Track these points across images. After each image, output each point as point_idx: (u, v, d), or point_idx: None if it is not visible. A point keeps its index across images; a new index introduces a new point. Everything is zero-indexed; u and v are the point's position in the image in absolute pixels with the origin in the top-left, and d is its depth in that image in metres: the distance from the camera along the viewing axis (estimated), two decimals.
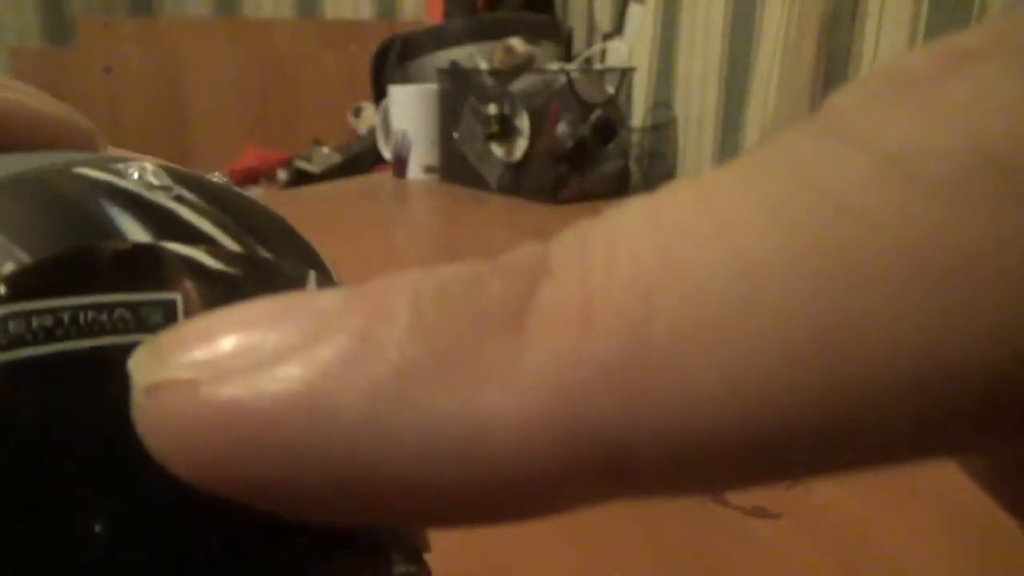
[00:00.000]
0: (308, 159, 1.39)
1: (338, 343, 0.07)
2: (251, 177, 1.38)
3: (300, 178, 1.36)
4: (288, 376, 0.07)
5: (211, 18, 1.78)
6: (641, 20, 1.23)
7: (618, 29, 1.30)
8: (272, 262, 0.10)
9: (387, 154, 1.27)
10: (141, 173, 0.10)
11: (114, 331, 0.08)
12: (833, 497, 0.39)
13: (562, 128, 1.06)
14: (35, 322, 0.08)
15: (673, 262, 0.07)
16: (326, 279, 0.11)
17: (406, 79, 1.28)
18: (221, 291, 0.09)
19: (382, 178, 1.28)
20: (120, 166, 0.10)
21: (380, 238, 0.94)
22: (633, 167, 1.21)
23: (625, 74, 1.13)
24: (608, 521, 0.35)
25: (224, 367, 0.07)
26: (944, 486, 0.40)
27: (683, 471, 0.07)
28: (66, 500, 0.08)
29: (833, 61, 0.84)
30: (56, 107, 0.12)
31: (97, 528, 0.08)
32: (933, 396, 0.07)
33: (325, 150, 1.42)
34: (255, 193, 1.35)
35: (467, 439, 0.07)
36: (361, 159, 1.38)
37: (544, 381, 0.07)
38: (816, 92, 0.86)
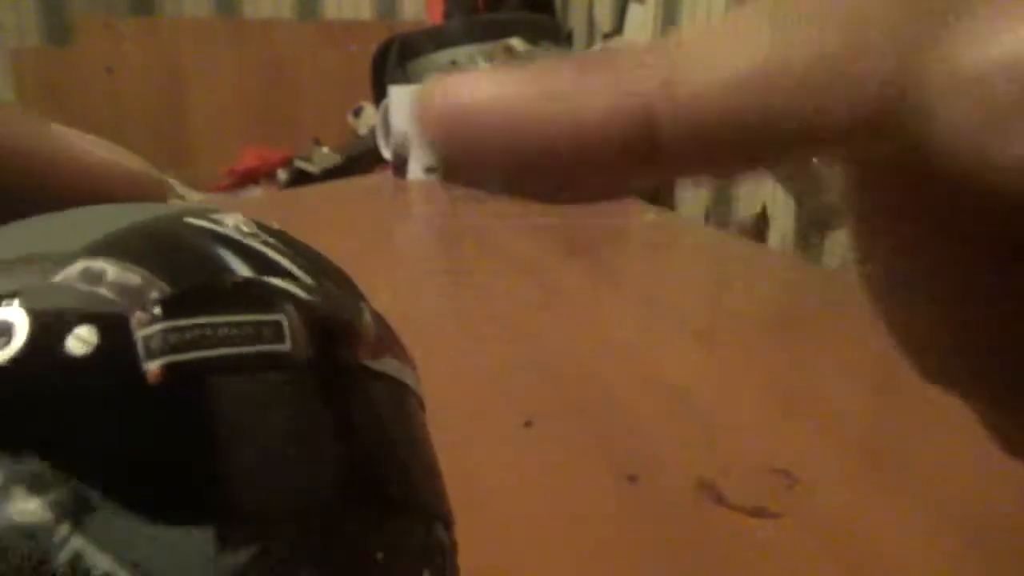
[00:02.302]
0: (308, 159, 1.39)
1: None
2: (251, 177, 1.38)
3: (300, 178, 1.36)
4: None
5: (211, 18, 1.78)
6: (641, 20, 1.23)
7: (618, 29, 1.30)
8: (337, 294, 0.13)
9: (387, 154, 1.27)
10: (235, 222, 0.13)
11: (242, 343, 0.11)
12: (833, 497, 0.39)
13: None
14: (187, 335, 0.10)
15: None
16: (369, 308, 0.13)
17: (406, 79, 1.28)
18: (307, 315, 0.12)
19: (382, 178, 1.28)
20: (217, 216, 0.13)
21: (380, 238, 0.94)
22: None
23: None
24: (608, 521, 0.35)
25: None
26: (944, 487, 0.40)
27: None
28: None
29: None
30: (142, 164, 0.15)
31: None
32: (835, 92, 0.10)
33: (325, 150, 1.42)
34: (255, 193, 1.36)
35: None
36: (361, 159, 1.38)
37: None
38: None
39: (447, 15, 1.45)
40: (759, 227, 0.96)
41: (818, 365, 0.55)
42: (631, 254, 0.93)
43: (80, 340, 0.10)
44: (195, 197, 0.18)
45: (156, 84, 1.56)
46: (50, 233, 0.12)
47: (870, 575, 0.34)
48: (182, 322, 0.10)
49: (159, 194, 0.15)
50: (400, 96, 1.23)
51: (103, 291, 0.10)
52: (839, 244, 0.84)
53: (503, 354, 0.50)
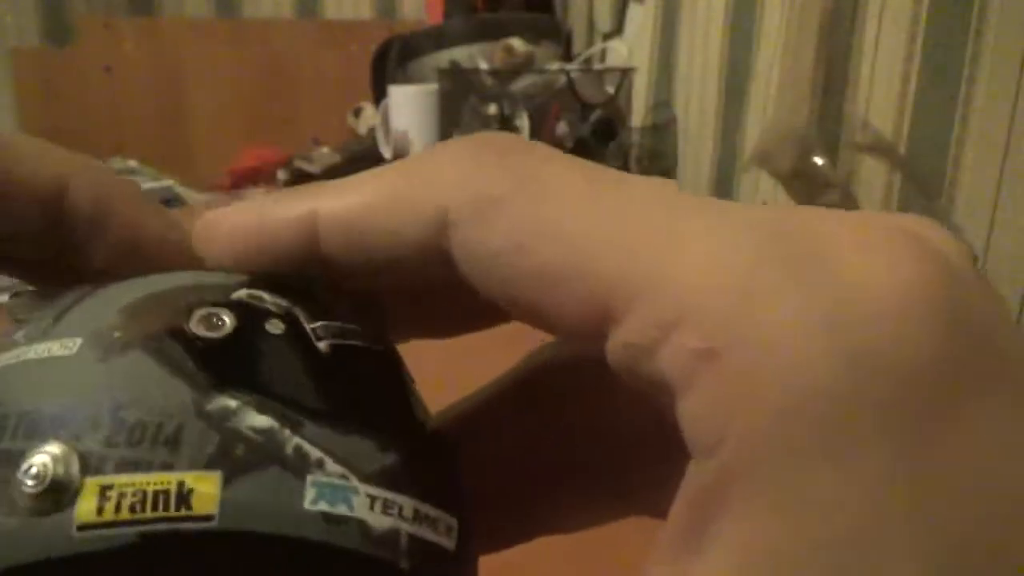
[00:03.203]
0: (308, 159, 1.39)
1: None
2: (251, 177, 1.38)
3: (300, 178, 1.36)
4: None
5: (211, 18, 1.78)
6: (641, 20, 1.23)
7: (618, 29, 1.30)
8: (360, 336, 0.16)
9: (387, 154, 1.27)
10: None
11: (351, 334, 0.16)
12: None
13: (562, 128, 1.06)
14: (331, 328, 0.15)
15: None
16: None
17: (406, 79, 1.28)
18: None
19: None
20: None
21: None
22: (633, 167, 1.21)
23: (625, 74, 1.13)
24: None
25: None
26: None
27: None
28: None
29: (833, 61, 0.84)
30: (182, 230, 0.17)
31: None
32: None
33: (325, 150, 1.41)
34: (255, 194, 1.35)
35: None
36: (361, 159, 1.38)
37: None
38: (816, 92, 0.86)
39: (447, 15, 1.45)
40: None
41: None
42: None
43: (273, 326, 0.14)
44: (198, 199, 0.19)
45: (156, 84, 1.56)
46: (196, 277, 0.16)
47: None
48: (328, 323, 0.15)
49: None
50: (400, 96, 1.23)
51: (270, 306, 0.15)
52: None
53: (498, 353, 0.50)
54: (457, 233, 0.13)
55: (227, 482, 0.12)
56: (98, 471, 0.12)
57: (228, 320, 0.14)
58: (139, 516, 0.12)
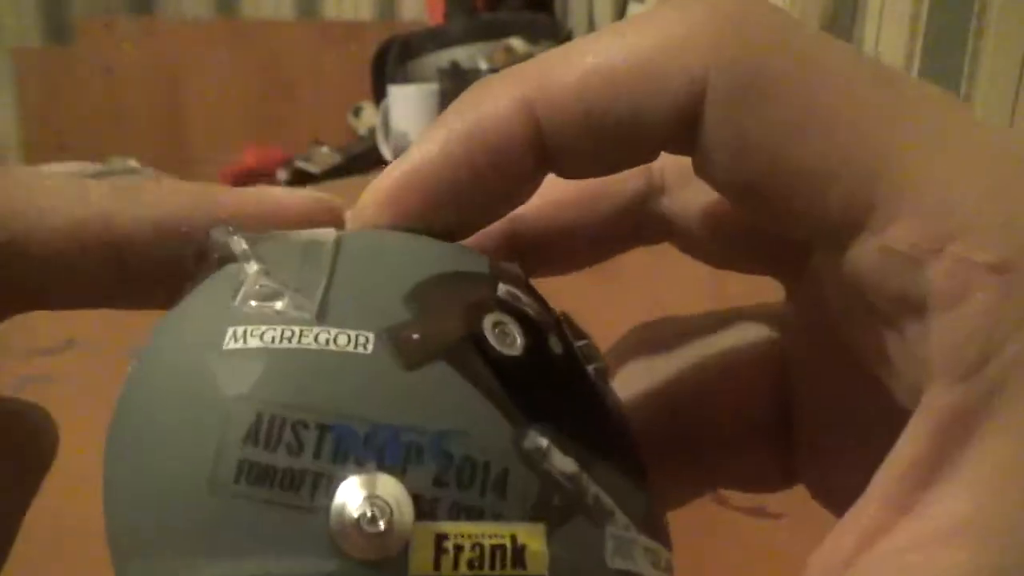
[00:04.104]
0: (308, 159, 1.39)
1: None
2: (251, 177, 1.38)
3: (300, 178, 1.36)
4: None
5: (211, 18, 1.78)
6: None
7: None
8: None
9: (387, 154, 1.27)
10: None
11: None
12: None
13: None
14: (591, 350, 0.14)
15: None
16: None
17: (406, 79, 1.28)
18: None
19: None
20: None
21: None
22: None
23: None
24: None
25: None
26: None
27: None
28: None
29: None
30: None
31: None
32: None
33: (325, 150, 1.42)
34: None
35: None
36: (361, 159, 1.38)
37: None
38: None
39: (447, 15, 1.45)
40: None
41: None
42: (631, 253, 0.93)
43: (554, 344, 0.13)
44: None
45: (156, 84, 1.56)
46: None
47: None
48: (587, 342, 0.14)
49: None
50: (400, 96, 1.23)
51: (535, 314, 0.13)
52: None
53: None
54: (716, 112, 0.11)
55: (549, 536, 0.11)
56: (431, 515, 0.11)
57: (518, 336, 0.12)
58: (477, 574, 0.11)
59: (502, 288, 0.13)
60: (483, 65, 1.18)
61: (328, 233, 0.13)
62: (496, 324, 0.12)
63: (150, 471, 0.11)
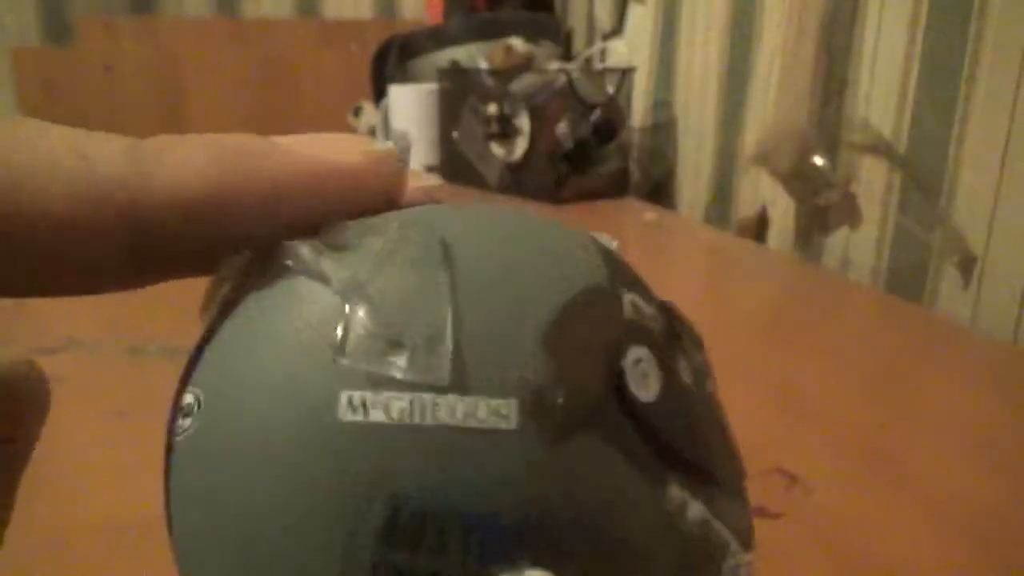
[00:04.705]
0: None
1: None
2: None
3: None
4: None
5: (211, 17, 1.78)
6: (641, 20, 1.23)
7: (618, 29, 1.30)
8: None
9: None
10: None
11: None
12: (833, 497, 0.39)
13: (562, 128, 1.05)
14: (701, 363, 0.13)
15: None
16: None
17: (406, 79, 1.28)
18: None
19: None
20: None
21: None
22: (633, 167, 1.21)
23: (625, 74, 1.13)
24: None
25: None
26: (942, 486, 0.40)
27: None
28: None
29: (833, 61, 0.84)
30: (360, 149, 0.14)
31: None
32: None
33: None
34: None
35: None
36: None
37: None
38: (816, 92, 0.86)
39: (447, 15, 1.45)
40: (759, 227, 0.96)
41: (817, 365, 0.55)
42: (630, 253, 0.93)
43: (685, 372, 0.12)
44: None
45: (155, 83, 1.56)
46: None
47: (869, 575, 0.34)
48: (701, 359, 0.13)
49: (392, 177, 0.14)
50: (400, 96, 1.23)
51: (658, 334, 0.12)
52: (839, 244, 0.84)
53: None
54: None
55: None
56: None
57: (654, 375, 0.11)
58: None
59: (627, 300, 0.12)
60: (483, 65, 1.18)
61: (423, 234, 0.11)
62: (635, 363, 0.11)
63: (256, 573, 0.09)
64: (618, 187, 1.12)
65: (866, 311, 0.69)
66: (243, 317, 0.11)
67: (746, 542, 0.12)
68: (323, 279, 0.10)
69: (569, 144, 1.05)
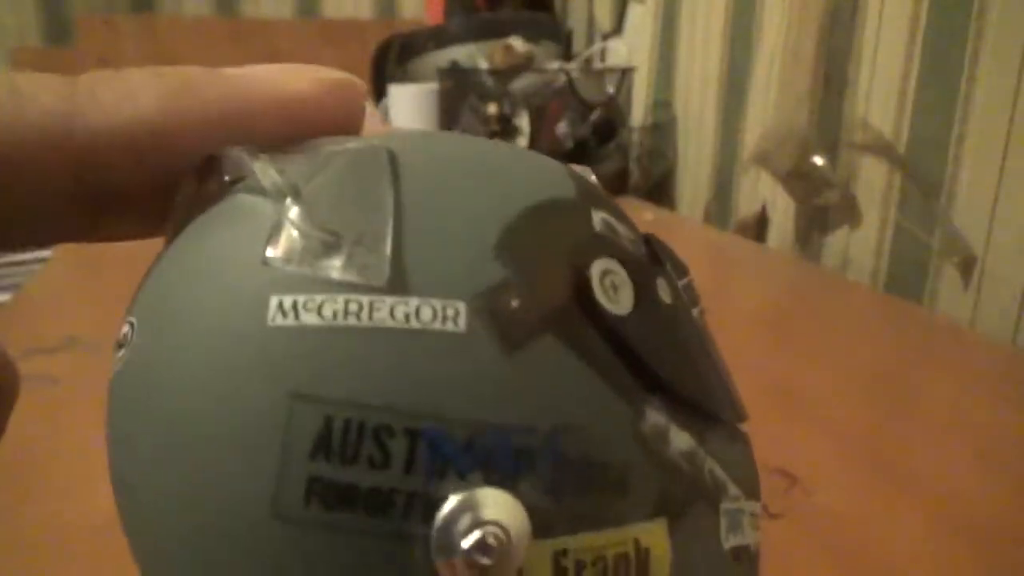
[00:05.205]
0: None
1: None
2: None
3: None
4: None
5: (211, 17, 1.78)
6: (641, 20, 1.23)
7: (618, 29, 1.30)
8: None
9: None
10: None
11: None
12: (833, 497, 0.39)
13: (562, 128, 1.05)
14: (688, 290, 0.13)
15: None
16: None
17: (406, 79, 1.28)
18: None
19: None
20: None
21: None
22: (633, 167, 1.21)
23: (625, 74, 1.13)
24: None
25: None
26: (943, 487, 0.40)
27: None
28: None
29: (833, 61, 0.84)
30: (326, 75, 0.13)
31: None
32: None
33: None
34: None
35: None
36: None
37: None
38: (816, 92, 0.86)
39: (447, 15, 1.45)
40: (759, 226, 0.96)
41: (817, 365, 0.55)
42: None
43: (663, 290, 0.11)
44: None
45: None
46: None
47: (869, 575, 0.34)
48: (689, 281, 0.13)
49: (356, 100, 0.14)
50: (400, 95, 1.23)
51: (634, 249, 0.11)
52: (839, 244, 0.84)
53: None
54: None
55: (671, 532, 0.10)
56: (547, 532, 0.09)
57: (626, 288, 0.10)
58: None
59: (596, 217, 0.11)
60: (483, 64, 1.18)
61: (371, 145, 0.10)
62: (604, 274, 0.10)
63: (190, 495, 0.09)
64: (618, 187, 1.12)
65: (866, 311, 0.69)
66: (180, 239, 0.10)
67: (750, 490, 0.11)
68: (260, 190, 0.10)
69: (569, 144, 1.05)
